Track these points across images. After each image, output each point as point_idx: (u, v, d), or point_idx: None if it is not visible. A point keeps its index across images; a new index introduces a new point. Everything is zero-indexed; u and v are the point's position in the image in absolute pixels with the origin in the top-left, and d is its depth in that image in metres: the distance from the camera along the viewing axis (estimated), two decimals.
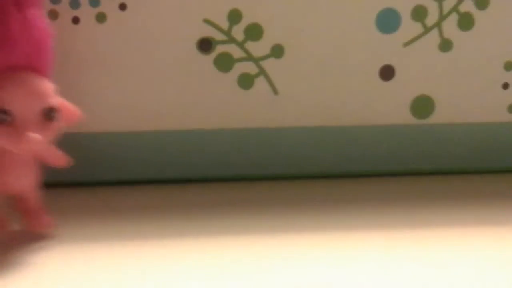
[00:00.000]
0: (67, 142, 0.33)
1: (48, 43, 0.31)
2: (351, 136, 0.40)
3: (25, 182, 0.33)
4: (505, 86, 0.40)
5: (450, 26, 0.39)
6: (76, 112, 0.33)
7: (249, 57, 0.38)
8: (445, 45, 0.39)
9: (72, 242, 0.33)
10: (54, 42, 0.32)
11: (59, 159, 0.34)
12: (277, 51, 0.38)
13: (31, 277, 0.30)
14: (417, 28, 0.39)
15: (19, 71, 0.30)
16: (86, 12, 0.37)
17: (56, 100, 0.31)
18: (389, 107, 0.40)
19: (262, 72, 0.39)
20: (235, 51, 0.38)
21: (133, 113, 0.38)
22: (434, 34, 0.39)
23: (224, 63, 0.38)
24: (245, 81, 0.39)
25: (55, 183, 0.37)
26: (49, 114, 0.31)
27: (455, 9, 0.39)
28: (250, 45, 0.38)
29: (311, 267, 0.31)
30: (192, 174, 0.40)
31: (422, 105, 0.40)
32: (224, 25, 0.38)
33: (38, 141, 0.30)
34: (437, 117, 0.40)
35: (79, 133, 0.38)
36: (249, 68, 0.39)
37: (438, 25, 0.39)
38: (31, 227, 0.34)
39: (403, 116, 0.40)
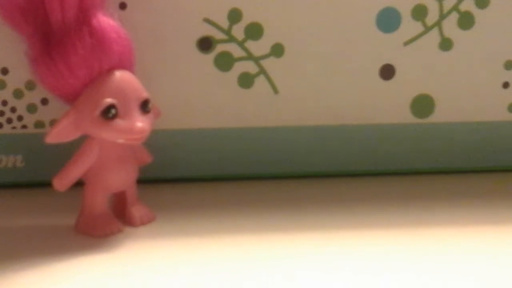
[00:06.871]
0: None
1: (130, 41, 0.33)
2: (351, 135, 0.40)
3: (128, 178, 0.34)
4: (505, 85, 0.40)
5: (451, 25, 0.39)
6: (157, 107, 0.35)
7: (249, 56, 0.38)
8: (445, 44, 0.39)
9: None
10: None
11: (147, 155, 0.36)
12: (277, 50, 0.38)
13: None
14: (417, 27, 0.39)
15: (114, 70, 0.32)
16: None
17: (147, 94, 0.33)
18: (389, 106, 0.40)
19: (262, 71, 0.39)
20: (235, 50, 0.38)
21: None
22: (434, 33, 0.39)
23: (224, 62, 0.38)
24: (245, 80, 0.39)
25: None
26: (146, 106, 0.32)
27: (455, 8, 0.39)
28: (250, 44, 0.38)
29: (311, 266, 0.31)
30: (191, 173, 0.40)
31: (422, 104, 0.40)
32: (224, 24, 0.38)
33: (147, 130, 0.32)
34: (437, 116, 0.40)
35: None
36: (249, 67, 0.38)
37: (438, 24, 0.39)
38: (132, 222, 0.35)
39: (403, 115, 0.40)
